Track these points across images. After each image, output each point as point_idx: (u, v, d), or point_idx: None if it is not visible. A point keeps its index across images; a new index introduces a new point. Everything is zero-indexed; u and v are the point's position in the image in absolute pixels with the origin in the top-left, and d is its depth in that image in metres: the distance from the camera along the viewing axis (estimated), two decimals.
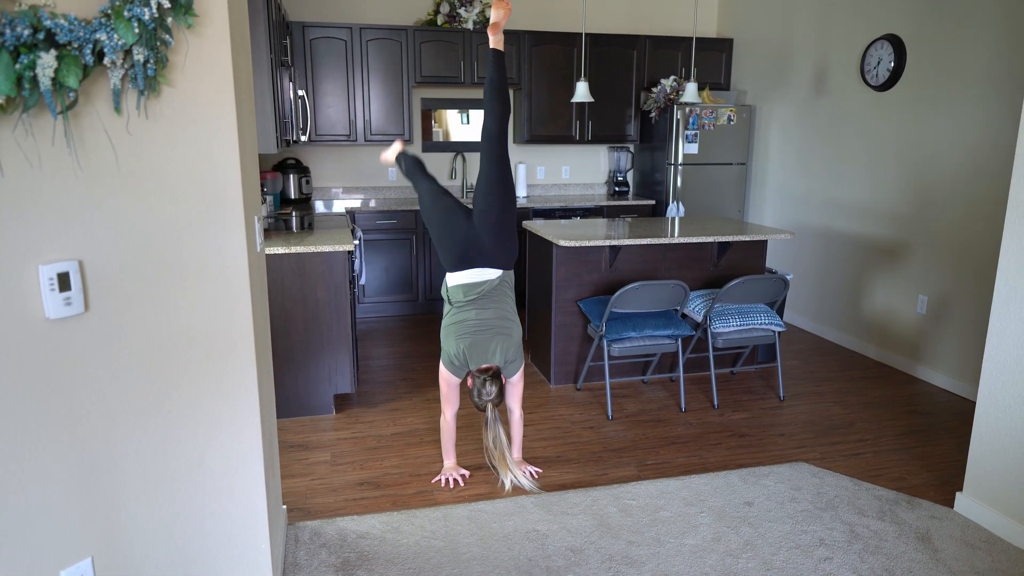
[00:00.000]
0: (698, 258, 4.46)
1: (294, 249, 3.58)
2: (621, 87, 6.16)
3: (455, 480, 3.13)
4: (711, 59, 6.32)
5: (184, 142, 1.77)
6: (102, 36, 1.52)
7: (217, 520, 2.01)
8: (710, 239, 4.20)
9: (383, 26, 5.56)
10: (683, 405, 3.99)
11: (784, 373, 4.56)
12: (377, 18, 5.85)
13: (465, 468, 3.22)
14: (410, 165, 3.38)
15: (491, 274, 3.01)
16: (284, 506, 2.89)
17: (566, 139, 6.15)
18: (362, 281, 4.64)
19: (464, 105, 6.17)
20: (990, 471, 2.79)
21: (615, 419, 3.84)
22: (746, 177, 6.12)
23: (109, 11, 1.54)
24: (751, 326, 3.98)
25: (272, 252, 3.56)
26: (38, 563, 1.71)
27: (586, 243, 3.99)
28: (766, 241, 4.59)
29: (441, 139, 6.19)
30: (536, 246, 4.51)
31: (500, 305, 3.02)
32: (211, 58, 1.76)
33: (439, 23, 5.70)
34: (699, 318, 4.02)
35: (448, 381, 3.07)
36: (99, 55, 1.55)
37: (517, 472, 3.04)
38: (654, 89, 5.96)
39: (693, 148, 5.84)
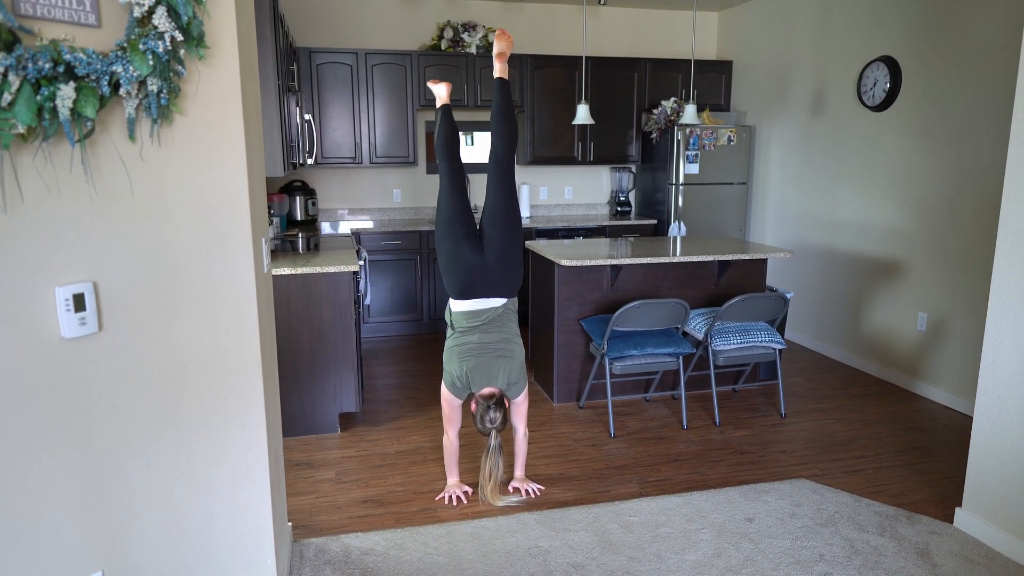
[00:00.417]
0: (699, 276, 4.51)
1: (300, 270, 3.63)
2: (623, 109, 6.25)
3: (458, 497, 3.16)
4: (711, 81, 6.42)
5: (195, 168, 1.83)
6: (118, 68, 1.60)
7: (224, 536, 2.05)
8: (710, 258, 4.25)
9: (388, 51, 5.67)
10: (685, 422, 4.02)
11: (786, 390, 4.58)
12: (382, 43, 5.97)
13: (468, 485, 3.26)
14: (441, 138, 3.15)
15: (495, 303, 3.05)
16: (289, 523, 2.92)
17: (569, 160, 6.23)
18: (367, 301, 4.70)
19: (468, 128, 6.26)
20: (988, 486, 2.81)
21: (617, 436, 3.87)
22: (747, 196, 6.18)
23: (125, 44, 1.61)
24: (752, 344, 4.02)
25: (279, 273, 3.61)
26: None
27: (588, 263, 4.05)
28: (766, 259, 4.64)
29: None
30: (539, 266, 4.57)
31: (503, 329, 3.05)
32: (221, 87, 1.83)
33: (443, 48, 5.81)
34: (700, 336, 4.06)
35: (450, 402, 3.11)
36: (115, 86, 1.62)
37: (500, 500, 3.10)
38: (655, 111, 6.04)
39: (694, 168, 5.91)
